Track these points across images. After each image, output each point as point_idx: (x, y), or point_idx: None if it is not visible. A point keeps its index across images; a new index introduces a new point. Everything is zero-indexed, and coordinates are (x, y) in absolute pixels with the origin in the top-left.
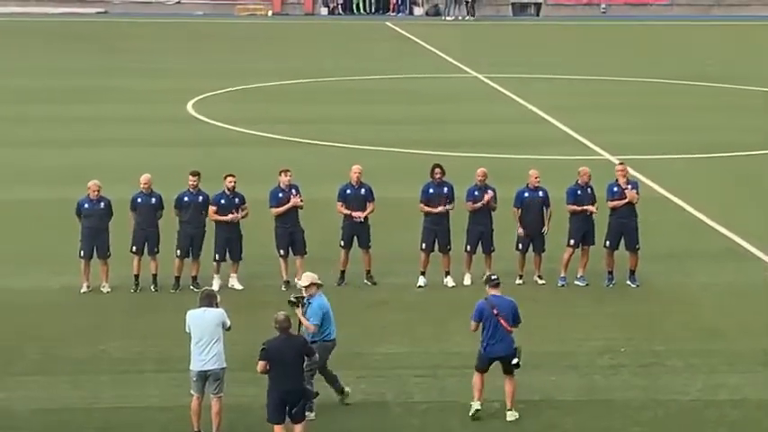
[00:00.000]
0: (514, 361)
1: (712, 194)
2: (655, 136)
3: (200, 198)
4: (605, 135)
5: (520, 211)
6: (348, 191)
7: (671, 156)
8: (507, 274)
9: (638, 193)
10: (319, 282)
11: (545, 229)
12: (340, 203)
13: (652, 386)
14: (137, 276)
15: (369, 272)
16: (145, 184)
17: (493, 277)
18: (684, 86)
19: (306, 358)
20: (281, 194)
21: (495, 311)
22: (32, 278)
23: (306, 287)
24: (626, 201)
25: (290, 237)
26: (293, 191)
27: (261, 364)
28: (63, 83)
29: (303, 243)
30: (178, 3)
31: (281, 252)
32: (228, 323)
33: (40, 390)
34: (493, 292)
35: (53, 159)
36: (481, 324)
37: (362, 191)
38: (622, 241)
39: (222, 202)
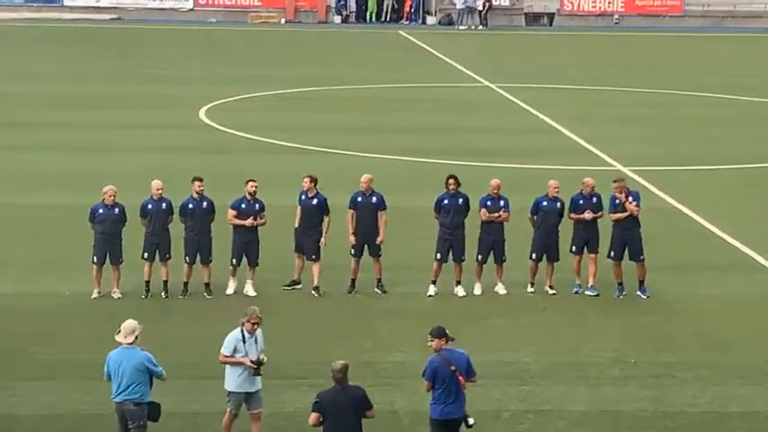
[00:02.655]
0: (471, 421)
1: (722, 205)
2: (666, 147)
3: (205, 204)
4: (617, 145)
5: (536, 218)
6: (359, 198)
7: (681, 167)
8: (519, 283)
9: (638, 205)
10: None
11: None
12: (351, 211)
13: (662, 398)
14: (147, 282)
15: (379, 280)
16: (158, 189)
17: (447, 331)
18: (696, 98)
19: (364, 412)
20: (303, 197)
21: (452, 368)
22: (43, 283)
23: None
24: (627, 214)
25: (303, 239)
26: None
27: (313, 417)
28: (75, 89)
29: (314, 249)
30: (192, 10)
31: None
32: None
33: (50, 395)
34: (445, 345)
35: (64, 165)
36: (434, 383)
37: (374, 199)
38: (627, 252)
39: (243, 206)
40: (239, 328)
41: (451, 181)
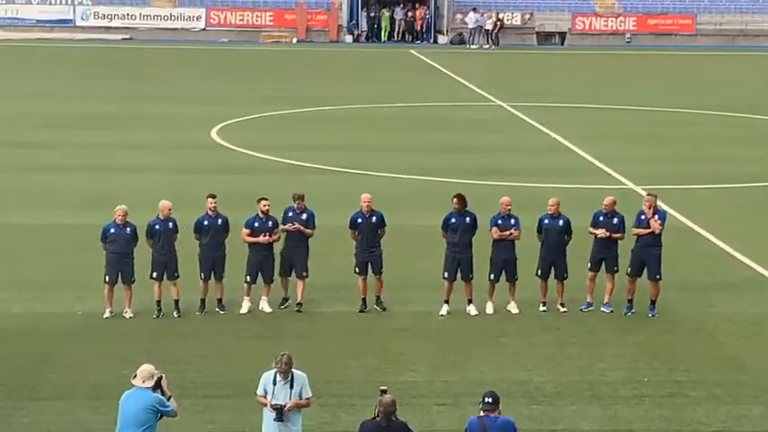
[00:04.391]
0: None
1: (735, 224)
2: (678, 166)
3: (220, 221)
4: (629, 164)
5: (541, 236)
6: (359, 219)
7: (694, 186)
8: (531, 302)
9: (662, 224)
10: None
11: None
12: (351, 231)
13: (675, 417)
14: (159, 302)
15: (378, 297)
16: (168, 210)
17: (487, 400)
18: (708, 116)
19: None
20: (291, 214)
21: None
22: (55, 303)
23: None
24: (649, 231)
25: (289, 257)
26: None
27: None
28: (87, 109)
29: (302, 265)
30: (203, 30)
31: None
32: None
33: (61, 415)
34: (492, 413)
35: (76, 185)
36: None
37: (373, 219)
38: (646, 271)
39: (256, 225)
40: (274, 370)
41: (455, 200)
